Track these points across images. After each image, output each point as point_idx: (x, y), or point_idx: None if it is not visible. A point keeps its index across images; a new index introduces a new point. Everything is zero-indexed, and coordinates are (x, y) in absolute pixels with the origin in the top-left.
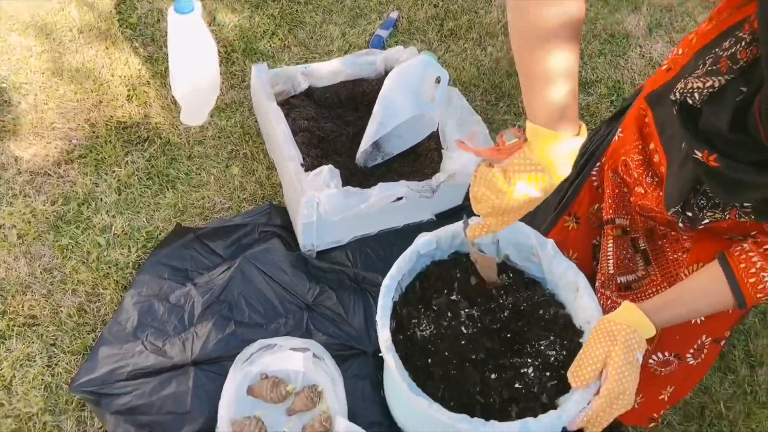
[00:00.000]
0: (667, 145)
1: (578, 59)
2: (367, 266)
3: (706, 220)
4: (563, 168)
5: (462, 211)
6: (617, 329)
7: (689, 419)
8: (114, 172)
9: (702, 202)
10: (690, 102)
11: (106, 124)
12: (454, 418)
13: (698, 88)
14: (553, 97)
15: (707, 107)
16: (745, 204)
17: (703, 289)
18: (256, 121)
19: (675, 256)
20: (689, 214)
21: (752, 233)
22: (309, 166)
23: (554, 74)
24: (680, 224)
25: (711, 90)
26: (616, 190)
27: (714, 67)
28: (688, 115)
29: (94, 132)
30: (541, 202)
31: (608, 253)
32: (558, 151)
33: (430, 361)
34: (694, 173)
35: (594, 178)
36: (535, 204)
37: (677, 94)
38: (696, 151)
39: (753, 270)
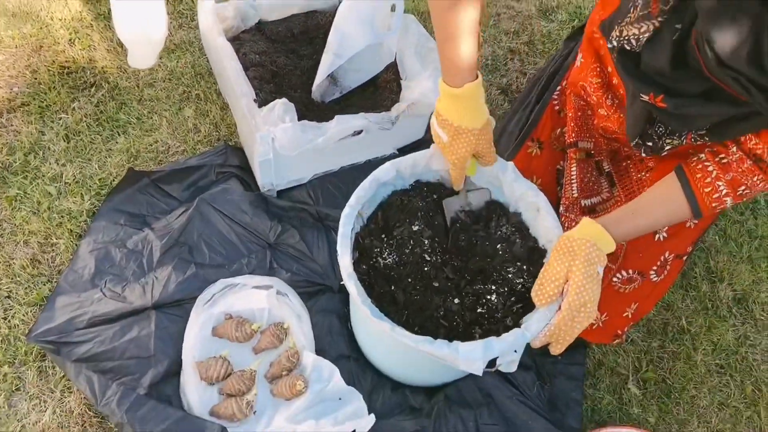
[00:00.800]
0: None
1: (477, 22)
2: (330, 203)
3: (668, 147)
4: (458, 116)
5: (424, 144)
6: (577, 245)
7: (652, 335)
8: (61, 119)
9: (660, 129)
10: (628, 48)
11: (49, 70)
12: (417, 340)
13: (634, 35)
14: (454, 53)
15: (646, 51)
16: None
17: (660, 199)
18: (207, 61)
19: (639, 176)
20: (650, 144)
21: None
22: (262, 101)
23: (456, 34)
24: (643, 154)
25: (647, 34)
26: (579, 113)
27: (645, 12)
28: (628, 60)
29: (36, 78)
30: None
31: (572, 177)
32: (455, 102)
33: (393, 287)
34: (645, 108)
35: (555, 102)
36: (464, 145)
37: (614, 41)
38: (642, 95)
39: (708, 179)
